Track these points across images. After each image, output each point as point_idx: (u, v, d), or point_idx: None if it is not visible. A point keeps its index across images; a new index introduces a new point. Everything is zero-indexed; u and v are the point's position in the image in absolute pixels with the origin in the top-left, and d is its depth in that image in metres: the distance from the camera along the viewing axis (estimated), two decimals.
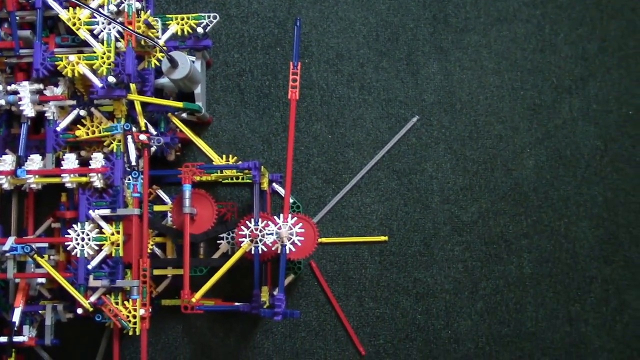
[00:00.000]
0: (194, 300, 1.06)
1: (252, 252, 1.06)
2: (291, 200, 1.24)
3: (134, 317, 1.06)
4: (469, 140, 1.26)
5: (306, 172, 1.26)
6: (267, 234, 1.02)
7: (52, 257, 1.14)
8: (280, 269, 1.00)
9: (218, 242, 1.18)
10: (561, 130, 1.26)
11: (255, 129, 1.27)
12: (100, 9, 1.08)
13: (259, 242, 1.06)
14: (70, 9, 1.07)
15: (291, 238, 1.00)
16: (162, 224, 1.16)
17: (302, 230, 1.01)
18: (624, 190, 1.24)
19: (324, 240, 1.23)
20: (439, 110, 1.27)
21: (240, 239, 1.07)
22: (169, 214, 1.18)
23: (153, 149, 1.14)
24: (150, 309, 1.08)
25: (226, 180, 1.24)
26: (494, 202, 1.25)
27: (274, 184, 1.23)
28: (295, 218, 1.02)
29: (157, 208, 1.19)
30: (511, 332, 1.22)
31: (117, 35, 1.08)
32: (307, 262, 1.23)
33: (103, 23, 1.07)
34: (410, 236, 1.24)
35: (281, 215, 1.02)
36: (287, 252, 1.01)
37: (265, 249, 1.06)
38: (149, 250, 1.13)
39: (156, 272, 1.16)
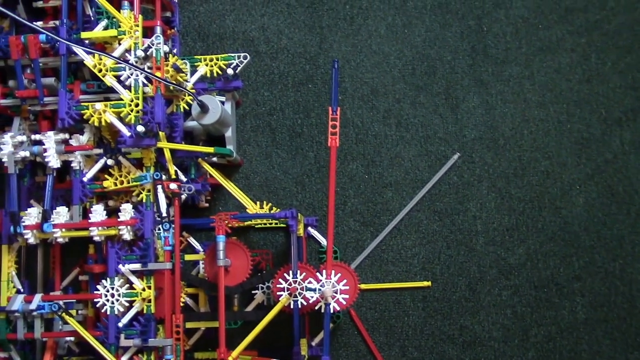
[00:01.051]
0: (230, 359, 0.99)
1: (292, 306, 1.00)
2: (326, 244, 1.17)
3: None
4: (513, 177, 1.19)
5: (342, 214, 1.20)
6: (309, 290, 0.96)
7: (80, 312, 1.09)
8: (325, 331, 0.94)
9: (253, 292, 1.12)
10: (612, 164, 1.19)
11: (288, 170, 1.21)
12: (127, 54, 1.03)
13: (298, 295, 1.00)
14: (96, 54, 1.03)
15: (335, 296, 0.94)
16: (195, 276, 1.11)
17: (347, 287, 0.94)
18: None
19: (363, 286, 1.17)
20: (481, 147, 1.20)
21: (278, 293, 1.01)
22: (201, 263, 1.12)
23: (184, 197, 1.08)
24: None
25: (259, 225, 1.18)
26: (543, 242, 1.17)
27: (309, 229, 1.17)
28: (340, 274, 0.96)
29: (188, 257, 1.14)
30: None
31: (145, 80, 1.03)
32: (346, 311, 1.17)
33: (130, 69, 1.02)
34: (455, 281, 1.17)
35: (324, 271, 0.96)
36: (332, 310, 0.94)
37: (304, 303, 1.00)
38: (181, 304, 1.07)
39: (189, 324, 1.10)
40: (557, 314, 1.16)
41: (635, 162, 1.18)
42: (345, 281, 0.95)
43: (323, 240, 1.18)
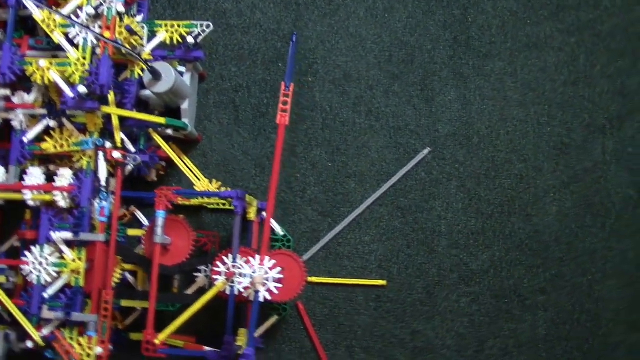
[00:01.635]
0: (157, 341, 0.94)
1: (227, 291, 0.94)
2: (282, 233, 1.11)
3: (88, 355, 0.94)
4: (485, 178, 1.12)
5: (301, 202, 1.13)
6: (240, 277, 0.90)
7: (11, 280, 1.04)
8: (251, 319, 0.88)
9: (195, 275, 1.06)
10: (591, 174, 1.11)
11: (249, 151, 1.15)
12: (78, 10, 0.97)
13: (235, 282, 0.94)
14: (45, 9, 0.97)
15: (266, 284, 0.88)
16: (133, 251, 1.05)
17: (280, 276, 0.88)
18: None
19: (314, 279, 1.10)
20: (454, 143, 1.13)
21: (215, 276, 0.95)
22: (143, 241, 1.06)
23: (129, 168, 1.03)
24: (110, 347, 0.97)
25: (212, 206, 1.12)
26: (509, 250, 1.10)
27: (263, 214, 1.11)
28: (274, 261, 0.89)
29: (131, 232, 1.08)
30: None
31: (95, 41, 0.97)
32: (293, 303, 1.10)
33: (78, 26, 0.96)
34: (412, 282, 1.10)
35: (257, 256, 0.89)
36: (262, 299, 0.88)
37: (242, 290, 0.94)
38: (117, 278, 1.02)
39: (124, 303, 1.04)
40: (517, 327, 1.09)
41: (615, 173, 1.11)
42: (279, 269, 0.89)
43: (277, 228, 1.11)
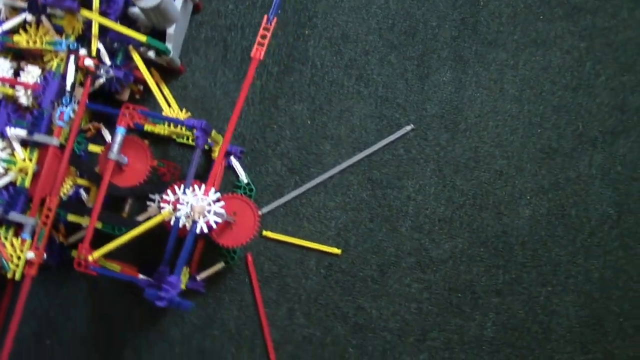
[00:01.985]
0: (90, 258, 0.90)
1: (172, 223, 0.91)
2: (245, 181, 1.08)
3: (19, 258, 0.91)
4: (463, 168, 1.08)
5: (271, 154, 1.10)
6: (181, 204, 0.86)
7: None
8: (184, 251, 0.85)
9: (148, 203, 1.03)
10: (572, 185, 1.07)
11: (230, 92, 1.11)
12: None
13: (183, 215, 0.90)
14: None
15: (206, 216, 0.84)
16: (87, 164, 1.01)
17: (222, 211, 0.85)
18: (626, 272, 1.04)
19: (269, 234, 1.07)
20: (439, 126, 1.09)
21: (162, 205, 0.92)
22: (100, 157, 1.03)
23: (101, 80, 0.99)
24: (45, 256, 0.94)
25: (180, 140, 1.09)
26: (472, 245, 1.06)
27: (231, 158, 1.08)
28: (219, 194, 0.86)
29: (92, 147, 1.05)
30: None
31: None
32: (243, 254, 1.07)
33: None
34: (367, 257, 1.07)
35: (202, 186, 0.86)
36: (198, 231, 0.85)
37: (183, 220, 0.90)
38: (68, 190, 0.99)
39: (71, 217, 1.01)
40: (464, 324, 1.05)
41: (598, 189, 1.06)
42: (223, 203, 0.85)
43: (242, 174, 1.08)
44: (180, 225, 0.89)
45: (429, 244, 1.07)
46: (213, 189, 0.83)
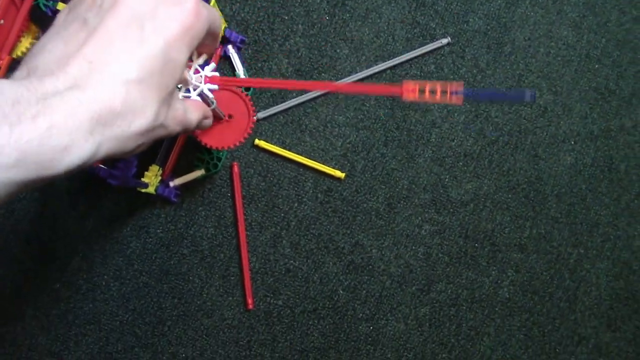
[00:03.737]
0: None
1: None
2: (242, 76, 0.89)
3: None
4: None
5: (278, 50, 0.91)
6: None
7: None
8: None
9: None
10: (626, 135, 0.90)
11: None
12: None
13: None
14: None
15: (197, 87, 0.65)
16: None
17: (215, 73, 0.66)
18: None
19: (262, 144, 0.89)
20: (481, 44, 0.91)
21: None
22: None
23: None
24: None
25: None
26: (500, 189, 0.90)
27: (229, 47, 0.89)
28: (216, 74, 0.67)
29: (61, 6, 0.85)
30: None
31: None
32: (229, 162, 0.89)
33: None
34: (374, 187, 0.90)
35: (203, 57, 0.67)
36: (180, 97, 0.67)
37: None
38: (23, 51, 0.80)
39: None
40: (478, 279, 0.89)
41: None
42: (216, 74, 0.67)
43: (240, 69, 0.89)
44: None
45: (449, 180, 0.90)
46: (213, 64, 0.65)
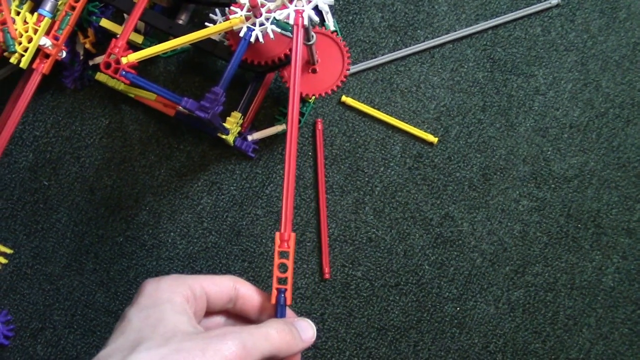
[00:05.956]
0: (124, 60, 0.66)
1: (241, 34, 0.66)
2: (333, 28, 0.83)
3: (30, 41, 0.67)
4: (614, 66, 0.83)
5: (370, 3, 0.85)
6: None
7: None
8: (235, 58, 0.61)
9: (212, 15, 0.78)
10: None
11: None
12: None
13: (257, 24, 0.66)
14: None
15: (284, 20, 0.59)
16: None
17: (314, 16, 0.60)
18: None
19: (349, 101, 0.82)
20: (593, 7, 0.84)
21: (234, 9, 0.67)
22: None
23: None
24: (64, 53, 0.70)
25: None
26: (608, 165, 0.82)
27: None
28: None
29: None
30: (542, 351, 0.79)
31: None
32: (312, 119, 0.83)
33: None
34: (469, 155, 0.82)
35: None
36: (252, 39, 0.61)
37: (260, 37, 0.66)
38: None
39: (105, 23, 0.77)
40: (579, 263, 0.80)
41: None
42: (315, 17, 0.61)
43: (330, 20, 0.83)
44: (253, 38, 0.65)
45: (551, 153, 0.82)
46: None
